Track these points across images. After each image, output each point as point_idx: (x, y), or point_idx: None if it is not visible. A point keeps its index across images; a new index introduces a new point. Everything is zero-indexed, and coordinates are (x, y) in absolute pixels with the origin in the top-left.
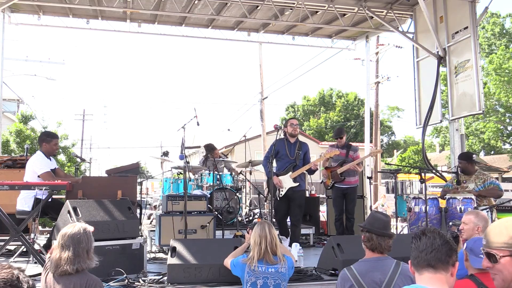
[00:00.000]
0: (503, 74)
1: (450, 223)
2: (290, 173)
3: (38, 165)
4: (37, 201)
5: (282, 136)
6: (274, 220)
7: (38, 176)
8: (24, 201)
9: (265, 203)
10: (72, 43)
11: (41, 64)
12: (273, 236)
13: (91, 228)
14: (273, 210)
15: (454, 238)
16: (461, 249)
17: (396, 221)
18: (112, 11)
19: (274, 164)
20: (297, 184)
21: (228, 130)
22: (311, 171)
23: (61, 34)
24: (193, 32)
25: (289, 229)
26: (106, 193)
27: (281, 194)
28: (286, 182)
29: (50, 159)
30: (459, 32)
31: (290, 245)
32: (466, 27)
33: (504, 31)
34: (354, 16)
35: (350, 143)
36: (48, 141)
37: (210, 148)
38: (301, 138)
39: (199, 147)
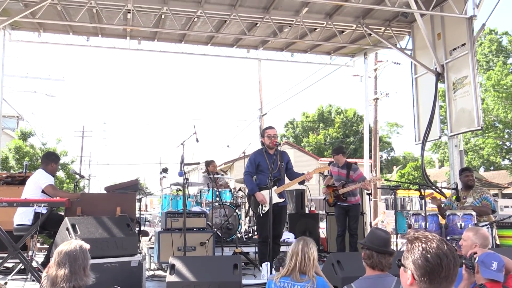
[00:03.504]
0: (501, 90)
1: (448, 237)
2: (275, 187)
3: (43, 179)
4: (37, 215)
5: (261, 147)
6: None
7: (43, 191)
8: (24, 216)
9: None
10: (72, 60)
11: (41, 80)
12: (305, 255)
13: (87, 246)
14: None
15: None
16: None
17: (396, 238)
18: (112, 29)
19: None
20: (283, 199)
21: (228, 146)
22: (302, 182)
23: (61, 51)
24: (193, 49)
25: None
26: (105, 210)
27: (264, 210)
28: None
29: None
30: (457, 48)
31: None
32: (464, 44)
33: (502, 48)
34: (352, 33)
35: (350, 162)
36: (56, 162)
37: (207, 163)
38: (300, 154)
39: (198, 163)
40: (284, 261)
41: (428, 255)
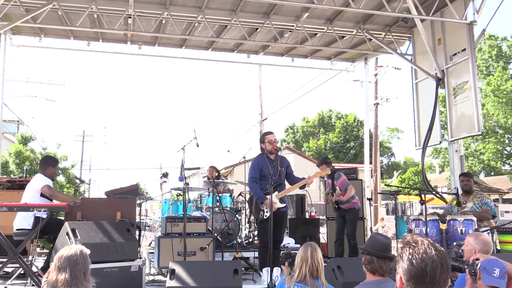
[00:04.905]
0: (501, 95)
1: (455, 243)
2: (276, 192)
3: (40, 182)
4: (37, 220)
5: (260, 152)
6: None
7: (41, 195)
8: (24, 220)
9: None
10: (73, 65)
11: (41, 85)
12: (315, 260)
13: (87, 251)
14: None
15: (457, 258)
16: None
17: (397, 243)
18: (113, 34)
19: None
20: (284, 204)
21: (228, 151)
22: (303, 186)
23: (62, 55)
24: (193, 54)
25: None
26: (105, 215)
27: (265, 216)
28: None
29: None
30: (457, 54)
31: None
32: (464, 49)
33: (502, 54)
34: (353, 38)
35: (335, 170)
36: (54, 165)
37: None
38: (301, 159)
39: (198, 168)
40: (290, 257)
41: (414, 260)
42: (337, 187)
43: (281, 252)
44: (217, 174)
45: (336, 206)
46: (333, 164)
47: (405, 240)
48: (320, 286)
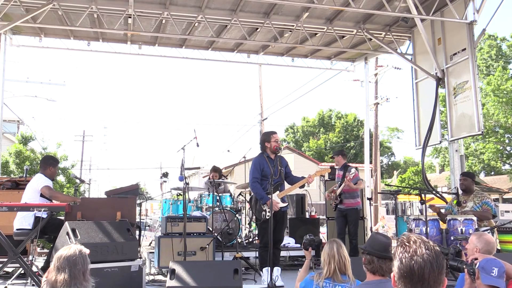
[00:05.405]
0: (502, 95)
1: (452, 238)
2: (278, 192)
3: (40, 182)
4: (37, 219)
5: (260, 152)
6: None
7: (41, 196)
8: (24, 220)
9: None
10: (73, 65)
11: (41, 85)
12: (342, 256)
13: (87, 250)
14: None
15: (457, 253)
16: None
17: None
18: (113, 33)
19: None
20: (286, 204)
21: (228, 151)
22: (303, 185)
23: (62, 55)
24: (193, 54)
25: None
26: (105, 215)
27: (267, 216)
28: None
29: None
30: (457, 53)
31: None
32: (464, 49)
33: (502, 53)
34: (353, 38)
35: (348, 164)
36: (54, 165)
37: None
38: (301, 159)
39: (198, 168)
40: (314, 243)
41: (403, 259)
42: (348, 175)
43: (304, 237)
44: (218, 176)
45: (339, 199)
46: (331, 165)
47: (400, 239)
48: (347, 282)
